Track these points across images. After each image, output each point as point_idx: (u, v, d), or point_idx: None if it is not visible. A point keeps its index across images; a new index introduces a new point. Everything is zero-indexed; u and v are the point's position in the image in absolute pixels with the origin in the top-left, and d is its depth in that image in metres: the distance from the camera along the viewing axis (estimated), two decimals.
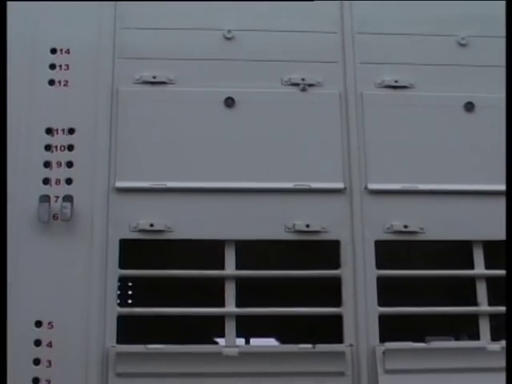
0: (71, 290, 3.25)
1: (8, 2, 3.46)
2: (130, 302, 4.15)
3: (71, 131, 3.43)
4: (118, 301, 3.34)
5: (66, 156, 3.40)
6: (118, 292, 3.39)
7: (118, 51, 3.55)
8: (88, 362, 3.20)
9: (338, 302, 3.36)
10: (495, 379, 3.17)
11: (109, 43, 3.54)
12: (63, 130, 3.42)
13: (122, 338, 3.27)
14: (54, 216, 3.31)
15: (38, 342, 3.21)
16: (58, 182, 3.37)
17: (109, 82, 3.50)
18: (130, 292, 4.16)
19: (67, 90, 3.46)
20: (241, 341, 3.85)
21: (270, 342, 4.31)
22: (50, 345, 3.19)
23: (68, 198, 3.33)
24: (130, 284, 4.11)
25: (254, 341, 4.34)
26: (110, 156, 3.42)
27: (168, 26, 3.59)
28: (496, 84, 3.61)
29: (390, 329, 3.33)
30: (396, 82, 3.60)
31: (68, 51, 3.51)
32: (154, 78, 3.52)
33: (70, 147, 3.41)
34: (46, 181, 3.37)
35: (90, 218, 3.34)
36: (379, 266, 3.39)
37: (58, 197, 3.34)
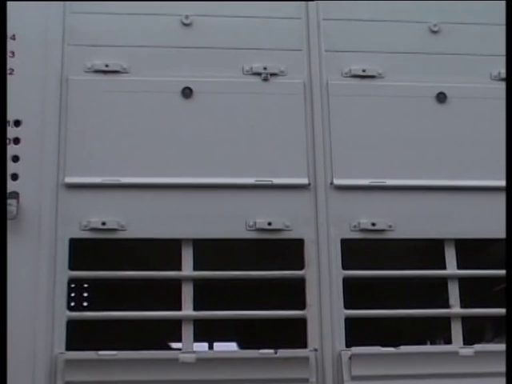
0: (17, 293, 3.25)
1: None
2: (82, 305, 4.18)
3: (17, 123, 3.45)
4: (69, 304, 3.33)
5: (11, 150, 3.41)
6: (69, 295, 3.37)
7: (68, 37, 3.56)
8: (34, 369, 3.21)
9: (301, 304, 3.38)
10: None
11: (58, 29, 3.56)
12: (8, 122, 3.43)
13: (71, 344, 3.26)
14: None
15: None
16: None
17: (58, 70, 3.52)
18: (81, 295, 4.19)
19: (13, 79, 3.47)
20: (200, 346, 3.82)
21: (230, 347, 4.36)
22: None
23: (13, 195, 3.33)
24: (82, 286, 4.13)
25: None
26: (58, 150, 3.43)
27: (122, 11, 3.62)
28: (470, 73, 3.68)
29: (358, 333, 3.36)
30: (364, 71, 3.64)
31: (13, 37, 3.53)
32: (107, 66, 3.54)
33: (16, 140, 3.44)
34: None
35: (37, 215, 3.35)
36: (345, 266, 3.42)
37: None
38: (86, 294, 4.22)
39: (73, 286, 3.81)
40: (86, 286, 4.16)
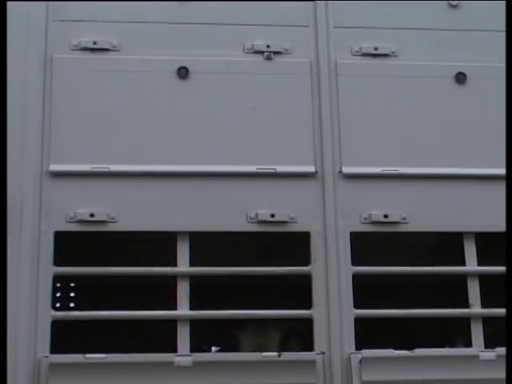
0: None
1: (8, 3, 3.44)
2: (68, 304, 4.11)
3: None
4: (54, 303, 3.28)
5: None
6: (54, 293, 3.31)
7: (52, 12, 3.50)
8: (16, 374, 3.14)
9: (307, 303, 3.33)
10: None
11: (41, 2, 3.47)
12: None
13: (56, 347, 3.21)
14: None
15: None
16: None
17: (41, 48, 3.45)
18: (67, 293, 4.13)
19: None
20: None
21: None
22: None
23: None
24: (69, 284, 4.07)
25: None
26: (42, 135, 3.37)
27: None
28: (491, 51, 3.60)
29: (368, 335, 3.29)
30: (376, 49, 3.57)
31: None
32: (95, 43, 3.47)
33: None
34: None
35: (19, 207, 3.28)
36: (355, 261, 3.36)
37: None
38: (72, 293, 4.16)
39: (58, 283, 3.69)
40: (72, 283, 4.10)
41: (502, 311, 3.30)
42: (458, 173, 3.47)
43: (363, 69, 3.56)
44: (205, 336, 3.67)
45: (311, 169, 3.43)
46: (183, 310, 3.31)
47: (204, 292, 3.36)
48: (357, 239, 3.39)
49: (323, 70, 3.53)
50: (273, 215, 3.38)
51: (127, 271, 3.35)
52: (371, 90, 3.53)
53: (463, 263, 3.45)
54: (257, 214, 3.38)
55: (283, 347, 3.50)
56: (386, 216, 3.41)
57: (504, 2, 3.64)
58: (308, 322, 3.32)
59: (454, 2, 3.66)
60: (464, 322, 3.42)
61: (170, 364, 3.18)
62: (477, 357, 3.27)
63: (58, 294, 3.91)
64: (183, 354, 3.23)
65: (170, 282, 3.34)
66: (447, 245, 3.50)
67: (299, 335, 3.51)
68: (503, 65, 3.56)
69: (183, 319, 3.30)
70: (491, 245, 3.46)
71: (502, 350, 3.22)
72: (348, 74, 3.54)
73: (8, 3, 3.44)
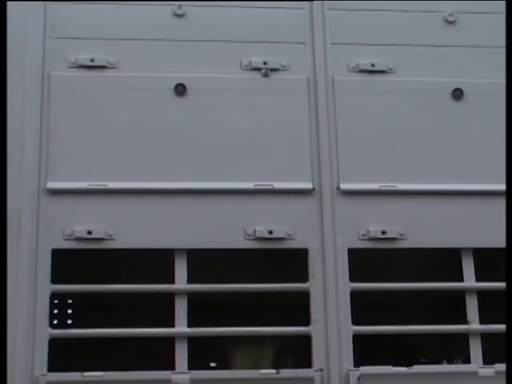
0: None
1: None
2: (65, 322, 4.03)
3: None
4: (52, 321, 3.27)
5: None
6: (51, 311, 3.30)
7: (50, 29, 3.49)
8: None
9: (306, 320, 3.32)
10: None
11: (39, 20, 3.48)
12: None
13: (54, 365, 3.20)
14: None
15: None
16: None
17: (39, 65, 3.44)
18: (65, 311, 4.06)
19: None
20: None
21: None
22: None
23: None
24: (66, 301, 4.03)
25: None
26: (40, 152, 3.37)
27: (109, 1, 3.53)
28: (488, 67, 3.59)
29: (367, 351, 3.29)
30: (373, 65, 3.57)
31: None
32: (92, 61, 3.47)
33: None
34: None
35: (16, 224, 3.27)
36: (353, 278, 3.35)
37: None
38: (70, 310, 4.10)
39: (55, 300, 3.62)
40: (69, 300, 4.05)
41: (500, 327, 3.30)
42: (455, 189, 3.46)
43: (360, 85, 3.56)
44: (203, 353, 3.55)
45: (309, 185, 3.43)
46: (181, 327, 3.30)
47: (202, 309, 3.32)
48: (355, 255, 3.39)
49: (320, 87, 3.53)
50: (271, 232, 3.38)
51: (125, 288, 3.34)
52: (368, 106, 3.53)
53: (461, 279, 3.43)
54: (254, 231, 3.37)
55: (279, 363, 3.48)
56: (383, 232, 3.41)
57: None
58: (306, 339, 3.29)
59: (451, 18, 3.66)
60: (462, 338, 3.41)
61: (167, 382, 3.17)
62: (476, 373, 3.27)
63: (56, 312, 3.80)
64: (181, 372, 3.22)
65: (168, 299, 3.31)
66: (445, 261, 3.49)
67: (294, 351, 3.49)
68: (501, 80, 3.55)
69: (181, 336, 3.29)
70: (489, 261, 3.46)
71: (501, 367, 3.22)
72: (345, 90, 3.53)
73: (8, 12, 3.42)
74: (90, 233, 3.31)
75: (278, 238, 3.38)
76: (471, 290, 3.43)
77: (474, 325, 3.39)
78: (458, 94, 3.56)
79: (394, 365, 3.27)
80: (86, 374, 3.15)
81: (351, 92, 3.53)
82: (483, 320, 3.41)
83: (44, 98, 3.41)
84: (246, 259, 3.51)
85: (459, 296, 3.43)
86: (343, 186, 3.43)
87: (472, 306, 3.41)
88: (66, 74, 3.45)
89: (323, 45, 3.58)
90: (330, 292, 3.33)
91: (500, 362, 3.27)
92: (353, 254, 3.39)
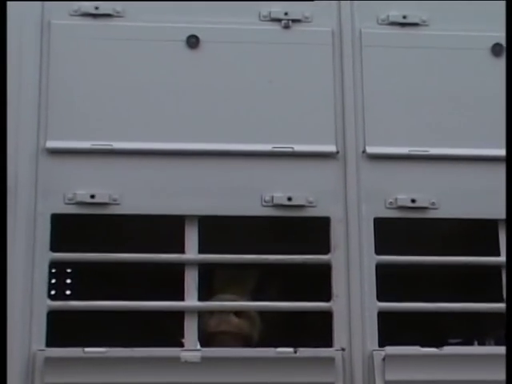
0: None
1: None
2: (65, 293, 4.13)
3: None
4: (50, 292, 3.22)
5: None
6: (50, 281, 3.27)
7: None
8: (9, 369, 3.06)
9: (326, 295, 3.27)
10: None
11: None
12: None
13: (53, 340, 3.15)
14: None
15: None
16: None
17: (38, 12, 3.36)
18: (65, 281, 4.14)
19: None
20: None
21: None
22: None
23: None
24: (66, 271, 4.09)
25: None
26: (39, 108, 3.29)
27: None
28: None
29: (393, 330, 3.25)
30: (404, 17, 3.48)
31: None
32: (97, 8, 3.38)
33: None
34: None
35: (13, 186, 3.22)
36: (379, 250, 3.30)
37: None
38: (70, 280, 4.15)
39: (55, 270, 3.66)
40: (70, 270, 4.10)
41: None
42: (494, 154, 3.38)
43: (390, 39, 3.47)
44: None
45: (332, 148, 3.36)
46: (191, 300, 3.24)
47: (213, 281, 3.39)
48: (381, 225, 3.32)
49: (346, 40, 3.45)
50: (289, 198, 3.31)
51: (130, 258, 3.28)
52: (399, 62, 3.45)
53: (498, 253, 3.36)
54: (272, 197, 3.30)
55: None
56: (413, 201, 3.33)
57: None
58: (327, 316, 3.25)
59: None
60: (496, 318, 3.35)
61: (176, 359, 3.12)
62: None
63: (55, 282, 3.89)
64: (191, 349, 3.17)
65: (177, 270, 3.28)
66: (480, 233, 3.43)
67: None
68: None
69: (191, 311, 3.23)
70: None
71: None
72: (373, 44, 3.45)
73: None
74: (93, 197, 3.25)
75: (298, 206, 3.31)
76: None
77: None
78: (497, 49, 3.46)
79: (422, 345, 3.21)
80: (88, 349, 3.10)
81: (380, 46, 3.45)
82: None
83: (43, 49, 3.33)
84: (262, 228, 3.47)
85: (495, 272, 3.36)
86: (369, 150, 3.36)
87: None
88: (68, 22, 3.37)
89: None
90: (354, 265, 3.27)
91: None
92: (379, 223, 3.31)
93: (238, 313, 3.60)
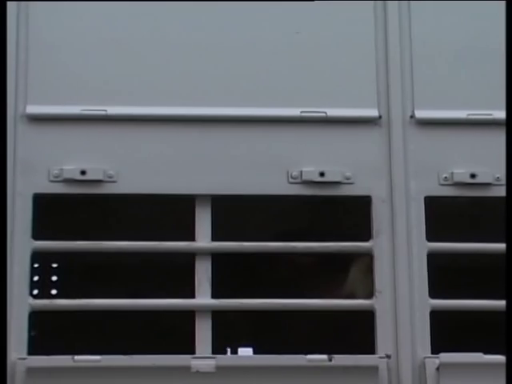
0: None
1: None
2: (50, 291, 4.09)
3: None
4: (32, 289, 3.15)
5: None
6: (32, 276, 3.16)
7: None
8: None
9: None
10: None
11: None
12: None
13: (36, 347, 3.05)
14: None
15: None
16: None
17: None
18: (50, 276, 4.12)
19: None
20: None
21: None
22: None
23: None
24: (51, 263, 4.02)
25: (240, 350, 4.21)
26: (16, 67, 3.16)
27: None
28: None
29: (449, 333, 3.13)
30: None
31: None
32: None
33: None
34: None
35: None
36: (431, 236, 3.15)
37: None
38: (56, 275, 4.10)
39: (38, 263, 3.60)
40: (56, 263, 4.00)
41: None
42: None
43: None
44: (232, 332, 3.54)
45: (374, 113, 3.20)
46: (203, 297, 3.12)
47: (230, 275, 3.27)
48: (434, 206, 3.17)
49: None
50: (322, 174, 3.16)
51: (128, 247, 3.16)
52: (453, 10, 3.25)
53: None
54: (301, 173, 3.15)
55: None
56: (473, 176, 3.16)
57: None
58: (368, 315, 3.09)
59: None
60: None
61: (185, 369, 2.97)
62: None
63: (38, 277, 3.85)
64: (203, 356, 3.02)
65: (187, 261, 3.16)
66: None
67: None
68: None
69: (203, 310, 3.11)
70: None
71: None
72: None
73: None
74: (83, 173, 3.12)
75: (332, 182, 3.17)
76: None
77: None
78: None
79: (484, 352, 3.03)
80: (78, 357, 2.95)
81: None
82: None
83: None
84: (288, 209, 3.41)
85: None
86: (419, 114, 3.19)
87: None
88: None
89: None
90: (401, 254, 3.12)
91: None
92: (431, 203, 3.18)
93: None
